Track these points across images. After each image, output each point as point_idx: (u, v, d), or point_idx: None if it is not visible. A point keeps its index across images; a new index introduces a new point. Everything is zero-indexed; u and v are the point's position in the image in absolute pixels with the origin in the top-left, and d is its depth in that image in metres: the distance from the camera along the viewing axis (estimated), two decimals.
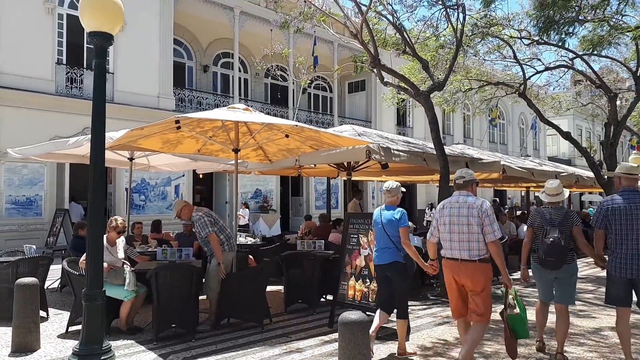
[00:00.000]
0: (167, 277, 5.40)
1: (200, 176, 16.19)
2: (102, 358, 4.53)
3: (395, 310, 5.00)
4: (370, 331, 4.60)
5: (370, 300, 5.77)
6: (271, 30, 16.83)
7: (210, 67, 20.16)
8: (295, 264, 7.04)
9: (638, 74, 13.19)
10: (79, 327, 4.95)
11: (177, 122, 6.10)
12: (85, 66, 15.27)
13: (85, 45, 15.21)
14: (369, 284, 5.87)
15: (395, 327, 5.07)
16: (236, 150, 6.99)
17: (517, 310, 4.42)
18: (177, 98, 17.37)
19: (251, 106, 10.04)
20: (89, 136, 4.94)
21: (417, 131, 25.62)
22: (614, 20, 10.65)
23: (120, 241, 6.11)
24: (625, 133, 23.92)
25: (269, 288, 8.42)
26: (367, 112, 24.18)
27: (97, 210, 4.76)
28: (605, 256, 4.71)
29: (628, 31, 10.21)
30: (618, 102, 14.65)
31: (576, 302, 5.94)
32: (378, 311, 5.05)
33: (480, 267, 4.21)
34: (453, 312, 4.53)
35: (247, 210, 17.71)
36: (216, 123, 6.82)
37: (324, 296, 7.34)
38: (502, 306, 4.53)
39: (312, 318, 6.48)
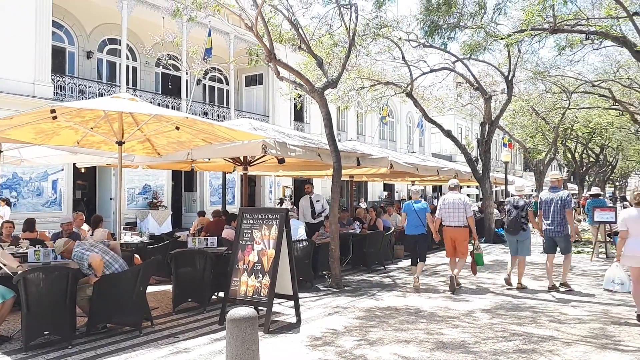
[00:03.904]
0: (38, 281, 4.92)
1: (82, 170, 15.02)
2: None
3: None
4: (417, 276, 7.95)
5: (262, 295, 5.73)
6: (163, 17, 16.09)
7: (95, 53, 18.75)
8: (185, 262, 6.77)
9: (509, 78, 14.54)
10: None
11: (52, 111, 5.59)
12: None
13: None
14: (261, 278, 5.82)
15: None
16: (120, 143, 6.60)
17: (479, 250, 8.11)
18: (55, 85, 15.91)
19: (140, 96, 9.53)
20: None
21: (313, 127, 25.99)
22: (489, 27, 11.60)
23: None
24: (499, 132, 26.25)
25: (159, 288, 8.10)
26: (264, 106, 24.03)
27: None
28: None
29: (501, 38, 11.17)
30: (493, 104, 16.04)
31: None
32: (419, 264, 8.07)
33: (463, 230, 7.88)
34: (448, 254, 8.14)
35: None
36: (98, 113, 6.36)
37: (216, 294, 7.18)
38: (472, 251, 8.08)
39: (202, 317, 6.29)
